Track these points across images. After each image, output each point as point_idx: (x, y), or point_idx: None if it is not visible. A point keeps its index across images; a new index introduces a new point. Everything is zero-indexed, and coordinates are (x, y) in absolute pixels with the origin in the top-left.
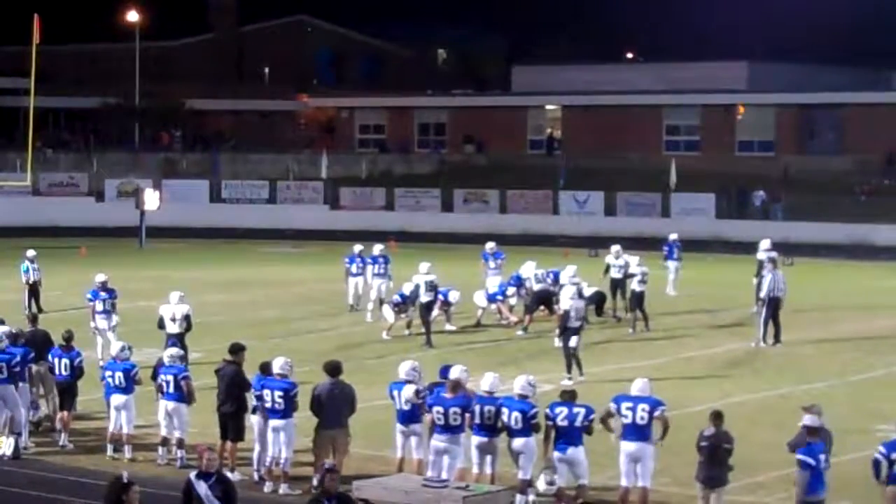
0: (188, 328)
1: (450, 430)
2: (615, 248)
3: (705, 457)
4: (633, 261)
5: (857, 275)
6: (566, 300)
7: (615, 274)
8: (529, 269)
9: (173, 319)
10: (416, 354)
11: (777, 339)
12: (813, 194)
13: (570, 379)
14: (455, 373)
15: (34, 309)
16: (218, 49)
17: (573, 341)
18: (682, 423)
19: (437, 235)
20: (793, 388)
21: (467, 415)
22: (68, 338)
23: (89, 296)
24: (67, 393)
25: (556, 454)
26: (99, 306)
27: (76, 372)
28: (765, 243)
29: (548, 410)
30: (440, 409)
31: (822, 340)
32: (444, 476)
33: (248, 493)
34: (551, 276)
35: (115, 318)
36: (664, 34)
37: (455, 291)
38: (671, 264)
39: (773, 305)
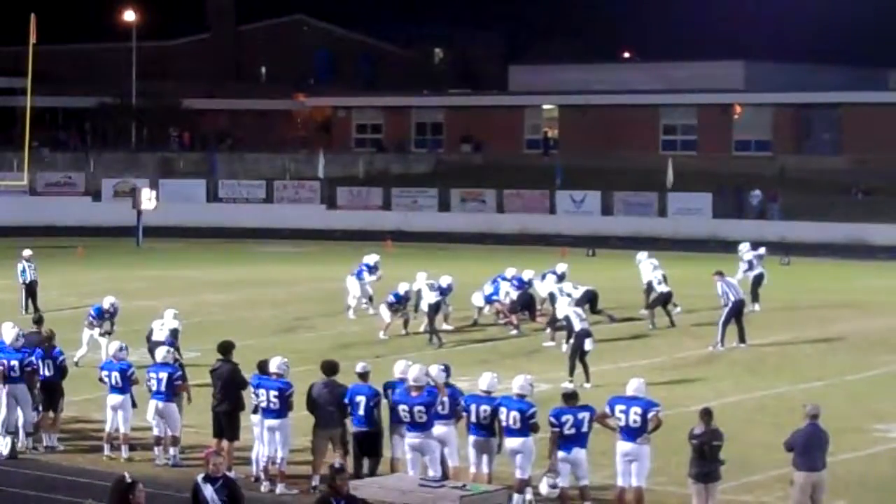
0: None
1: (418, 427)
2: (644, 254)
3: (697, 454)
4: (651, 263)
5: (854, 274)
6: (563, 308)
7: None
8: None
9: (160, 329)
10: (413, 354)
11: (720, 340)
12: (810, 194)
13: (571, 382)
14: (420, 371)
15: (31, 309)
16: (215, 48)
17: (588, 344)
18: (677, 422)
19: (433, 235)
20: (789, 388)
21: (458, 410)
22: (49, 337)
23: (93, 312)
24: (53, 393)
25: (561, 454)
26: (97, 324)
27: (60, 371)
28: (744, 246)
29: (552, 418)
30: (405, 406)
31: (818, 340)
32: (430, 473)
33: (245, 493)
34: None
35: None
36: (661, 34)
37: (446, 276)
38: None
39: (737, 308)
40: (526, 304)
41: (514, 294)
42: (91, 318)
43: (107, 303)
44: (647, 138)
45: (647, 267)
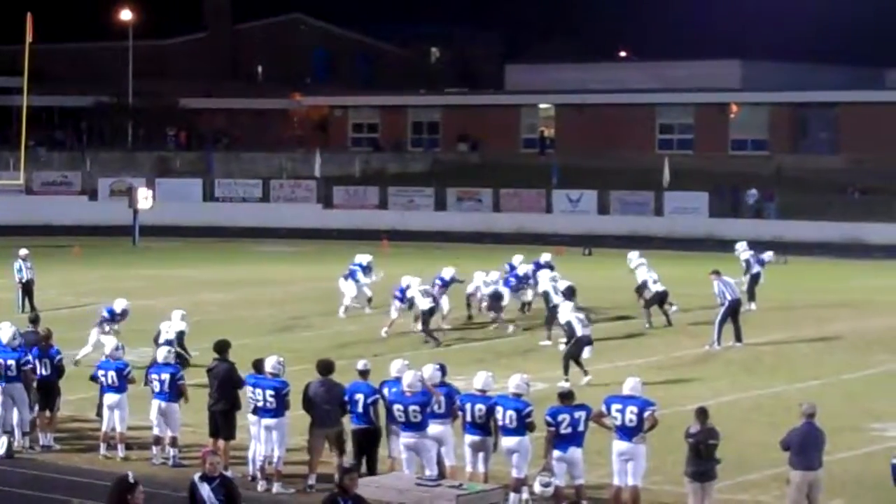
0: (179, 339)
1: (412, 427)
2: (634, 254)
3: (693, 453)
4: (642, 263)
5: (851, 273)
6: (566, 314)
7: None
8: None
9: (168, 331)
10: (410, 353)
11: (716, 339)
12: (806, 193)
13: (567, 381)
14: (414, 378)
15: (27, 308)
16: (212, 48)
17: (587, 352)
18: (674, 421)
19: (430, 234)
20: (786, 387)
21: (454, 409)
22: (46, 336)
23: (106, 314)
24: (50, 392)
25: (557, 453)
26: (107, 327)
27: (57, 370)
28: (741, 245)
29: (548, 417)
30: (400, 406)
31: (815, 339)
32: (427, 473)
33: (242, 492)
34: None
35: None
36: (657, 32)
37: (448, 268)
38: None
39: (734, 307)
40: (495, 299)
41: (487, 290)
42: (102, 319)
43: (118, 306)
44: (643, 137)
45: (641, 267)
